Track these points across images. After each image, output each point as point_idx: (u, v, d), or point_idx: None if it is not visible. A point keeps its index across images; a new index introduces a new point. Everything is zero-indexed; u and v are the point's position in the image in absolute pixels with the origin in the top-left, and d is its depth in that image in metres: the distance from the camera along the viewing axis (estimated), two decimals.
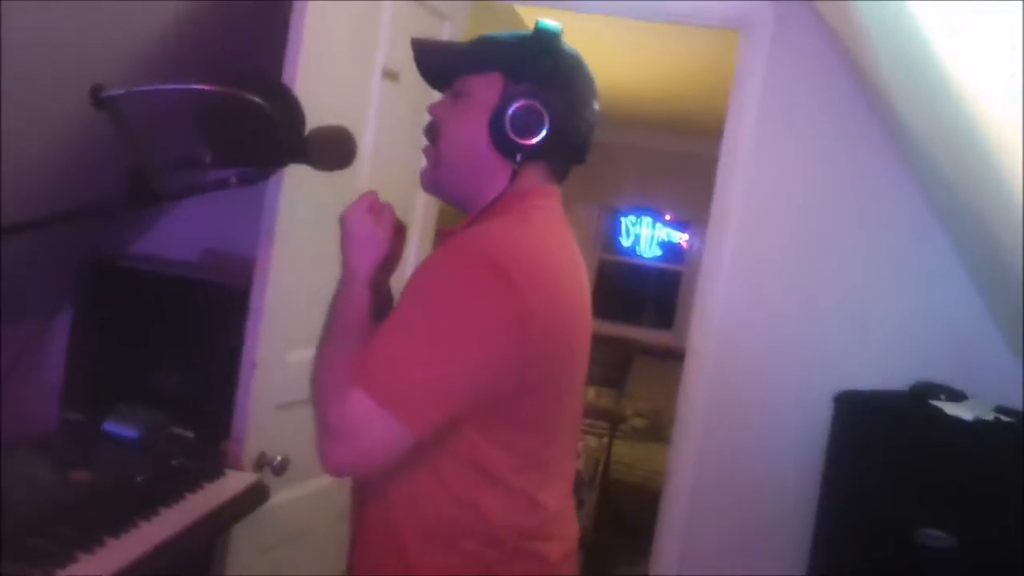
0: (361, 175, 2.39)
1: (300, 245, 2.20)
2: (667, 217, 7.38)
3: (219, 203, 2.84)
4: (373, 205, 1.40)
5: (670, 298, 7.11)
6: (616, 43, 4.30)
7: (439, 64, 1.44)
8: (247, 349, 2.12)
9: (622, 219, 7.56)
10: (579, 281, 1.39)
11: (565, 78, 1.36)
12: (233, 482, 1.92)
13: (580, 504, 4.70)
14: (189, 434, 2.03)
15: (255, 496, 1.94)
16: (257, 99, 1.43)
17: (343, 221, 1.39)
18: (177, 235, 2.95)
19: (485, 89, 1.35)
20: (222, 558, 2.02)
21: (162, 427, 1.95)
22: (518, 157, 1.33)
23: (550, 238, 1.35)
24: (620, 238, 7.59)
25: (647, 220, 7.50)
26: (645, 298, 7.36)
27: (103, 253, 2.67)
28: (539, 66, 1.34)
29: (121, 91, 1.39)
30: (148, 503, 1.64)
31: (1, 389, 2.33)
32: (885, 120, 2.61)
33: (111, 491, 1.65)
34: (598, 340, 5.31)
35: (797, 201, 2.75)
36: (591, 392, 5.37)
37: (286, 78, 2.00)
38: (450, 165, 1.40)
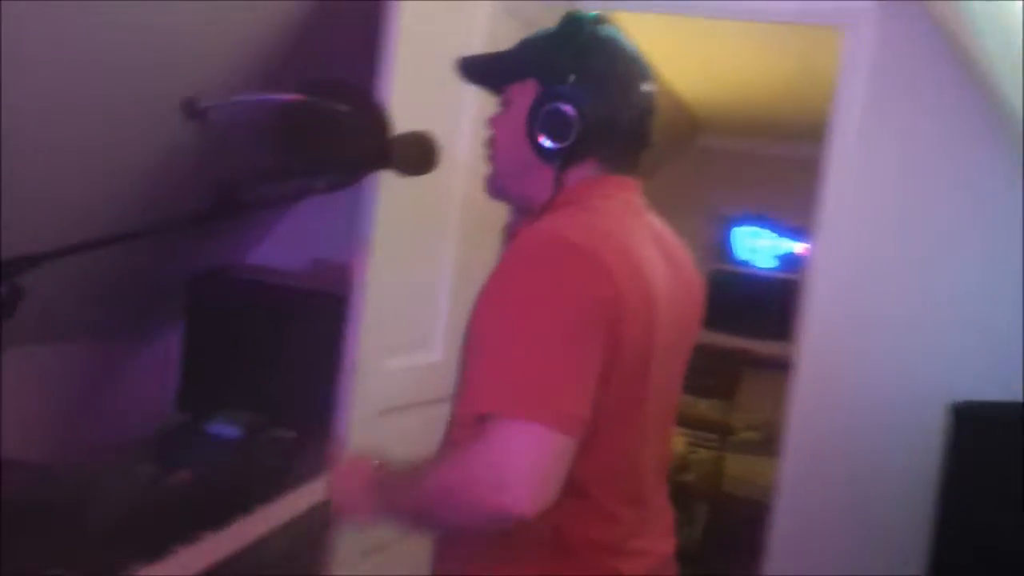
0: (456, 181, 2.42)
1: (397, 251, 2.23)
2: (783, 225, 7.20)
3: (328, 213, 2.95)
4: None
5: (787, 308, 6.89)
6: (718, 47, 4.24)
7: (482, 80, 1.45)
8: (346, 353, 2.17)
9: (735, 230, 7.41)
10: (666, 272, 1.33)
11: (600, 69, 1.33)
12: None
13: (690, 519, 4.61)
14: (291, 435, 2.08)
15: None
16: (341, 107, 1.46)
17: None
18: (287, 246, 3.05)
19: (523, 96, 1.34)
20: (325, 559, 2.06)
21: (263, 428, 2.01)
22: (556, 161, 1.31)
23: (618, 223, 1.30)
24: (733, 248, 7.44)
25: (761, 230, 7.34)
26: (759, 309, 7.17)
27: (215, 265, 2.77)
28: (569, 63, 1.31)
29: (212, 103, 1.44)
30: (245, 501, 1.69)
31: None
32: (997, 117, 2.48)
33: (209, 489, 1.71)
34: (707, 352, 5.19)
35: (907, 202, 2.64)
36: (701, 404, 5.27)
37: (378, 87, 2.05)
38: (502, 172, 1.40)
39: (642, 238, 1.31)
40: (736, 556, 4.14)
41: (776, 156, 6.65)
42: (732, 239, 7.46)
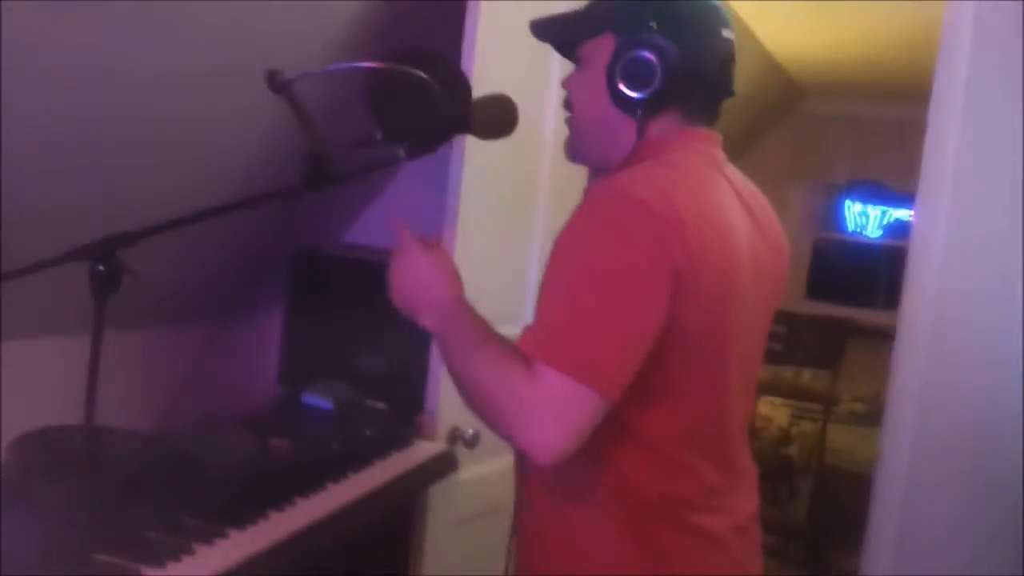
0: (544, 152, 2.41)
1: (485, 225, 2.24)
2: (893, 191, 6.93)
3: (424, 191, 2.97)
4: (417, 243, 1.39)
5: (895, 277, 6.65)
6: (810, 7, 4.10)
7: (556, 39, 1.43)
8: None
9: (843, 197, 7.17)
10: (749, 228, 1.31)
11: (678, 17, 1.30)
12: (421, 451, 1.99)
13: (794, 492, 4.52)
14: (382, 406, 2.11)
15: (443, 465, 2.00)
16: (421, 73, 1.46)
17: (398, 275, 1.39)
18: (383, 223, 3.09)
19: (600, 52, 1.32)
20: (418, 528, 2.10)
21: (357, 400, 2.05)
22: (639, 112, 1.29)
23: (695, 177, 1.28)
24: (841, 217, 7.21)
25: (870, 197, 7.08)
26: (866, 278, 6.94)
27: (314, 244, 2.83)
28: (645, 13, 1.29)
29: (296, 74, 1.45)
30: (339, 468, 1.73)
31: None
32: None
33: (305, 457, 1.76)
34: (811, 321, 5.09)
35: (1016, 164, 2.50)
36: (806, 374, 5.15)
37: (463, 57, 2.05)
38: (583, 132, 1.39)
39: (722, 192, 1.29)
40: (841, 529, 4.05)
41: (886, 118, 6.40)
42: (840, 207, 7.23)
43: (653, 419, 1.23)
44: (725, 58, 1.34)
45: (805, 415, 4.88)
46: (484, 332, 1.25)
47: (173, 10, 1.70)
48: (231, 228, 2.50)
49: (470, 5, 2.07)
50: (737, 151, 6.98)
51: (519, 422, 1.11)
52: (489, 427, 1.20)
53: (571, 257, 1.19)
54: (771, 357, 5.13)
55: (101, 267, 1.41)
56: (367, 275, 2.65)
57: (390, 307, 2.54)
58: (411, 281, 1.36)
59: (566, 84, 1.42)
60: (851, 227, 7.16)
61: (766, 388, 4.96)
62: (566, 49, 1.44)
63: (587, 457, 1.21)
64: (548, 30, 1.44)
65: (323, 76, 1.60)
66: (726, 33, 1.34)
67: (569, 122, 1.42)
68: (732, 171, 1.37)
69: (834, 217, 7.23)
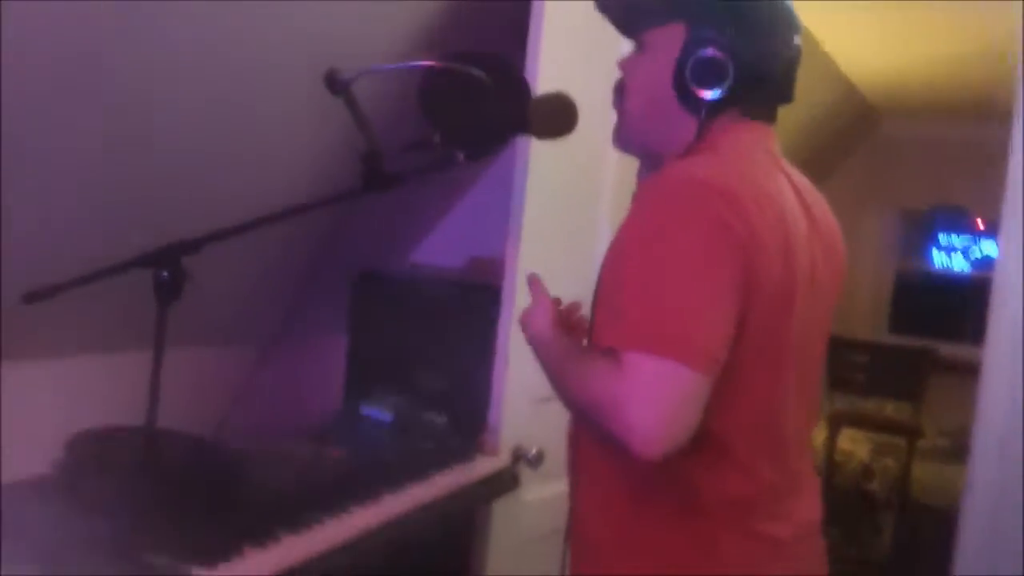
0: (609, 156, 2.36)
1: (548, 240, 2.22)
2: (978, 221, 6.69)
3: (487, 211, 2.96)
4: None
5: (983, 310, 6.39)
6: (889, 28, 4.00)
7: (624, 18, 1.39)
8: (500, 342, 2.17)
9: (929, 229, 6.94)
10: (807, 224, 1.27)
11: (753, 18, 1.26)
12: (482, 466, 1.95)
13: (876, 528, 4.34)
14: (443, 419, 2.08)
15: (504, 481, 1.96)
16: (478, 72, 1.44)
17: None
18: (447, 244, 3.09)
19: (668, 41, 1.28)
20: (479, 546, 2.05)
21: (416, 412, 2.02)
22: (703, 111, 1.25)
23: (753, 165, 1.24)
24: (923, 246, 6.98)
25: (952, 227, 6.85)
26: (952, 311, 6.69)
27: (377, 265, 2.83)
28: (722, 8, 1.25)
29: (354, 74, 1.45)
30: (396, 478, 1.70)
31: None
32: None
33: (361, 466, 1.73)
34: (894, 352, 4.91)
35: None
36: (888, 407, 4.97)
37: (529, 59, 2.04)
38: (637, 119, 1.35)
39: (780, 184, 1.25)
40: (925, 569, 3.86)
41: (970, 140, 6.16)
42: (923, 235, 7.01)
43: (714, 413, 1.16)
44: (791, 64, 1.31)
45: (887, 450, 4.69)
46: (575, 347, 1.27)
47: (234, 8, 1.71)
48: (296, 247, 2.53)
49: (535, 5, 2.06)
50: (815, 178, 6.80)
51: (617, 416, 1.07)
52: (603, 434, 1.16)
53: (640, 245, 1.17)
54: (853, 388, 4.97)
55: (165, 274, 1.42)
56: (428, 293, 2.68)
57: (452, 324, 2.56)
58: (523, 317, 1.36)
59: (624, 66, 1.37)
60: (936, 257, 6.92)
61: (847, 420, 4.80)
62: (627, 30, 1.40)
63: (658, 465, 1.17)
64: (617, 7, 1.39)
65: (382, 76, 1.60)
66: (796, 39, 1.31)
67: (618, 107, 1.38)
68: (789, 167, 1.33)
69: (917, 246, 7.00)
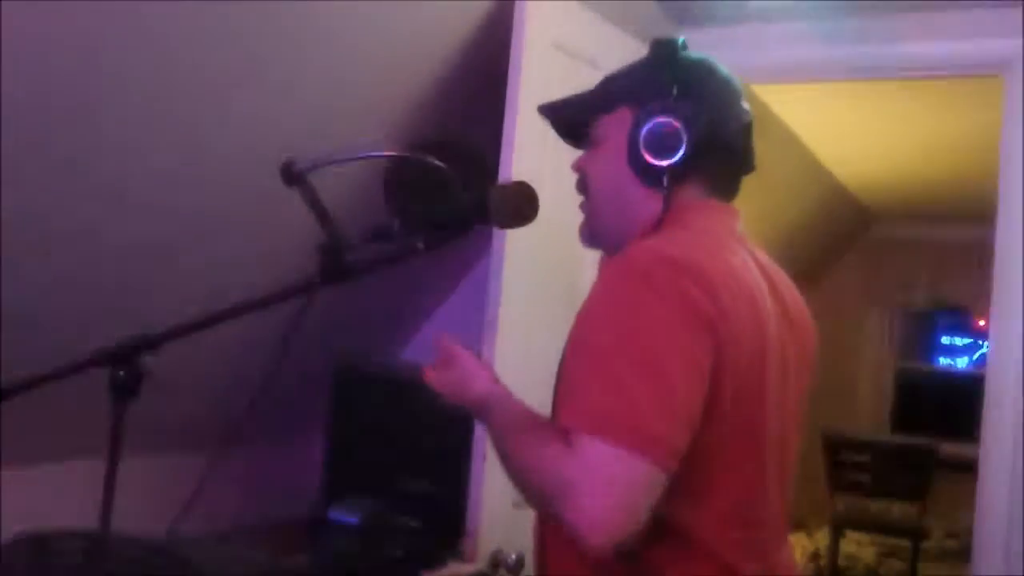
0: (587, 251, 2.34)
1: (526, 333, 2.17)
2: (978, 320, 6.64)
3: (475, 311, 2.93)
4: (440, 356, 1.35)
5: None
6: (876, 128, 4.03)
7: (569, 118, 1.39)
8: (476, 442, 2.10)
9: (929, 329, 6.89)
10: (774, 306, 1.22)
11: (697, 86, 1.26)
12: (454, 572, 1.84)
13: None
14: (414, 524, 1.99)
15: None
16: (435, 162, 1.42)
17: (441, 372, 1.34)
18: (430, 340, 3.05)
19: (617, 125, 1.28)
20: None
21: (386, 516, 1.94)
22: (664, 181, 1.23)
23: (719, 243, 1.21)
24: (924, 345, 6.93)
25: (951, 327, 6.80)
26: (956, 410, 6.58)
27: (360, 362, 2.78)
28: (664, 83, 1.25)
29: (309, 164, 1.43)
30: None
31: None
32: None
33: (319, 574, 1.64)
34: (895, 451, 4.80)
35: None
36: (894, 509, 4.83)
37: (504, 149, 2.04)
38: (600, 212, 1.33)
39: (746, 262, 1.21)
40: None
41: (964, 240, 6.19)
42: (922, 334, 6.96)
43: (697, 511, 1.12)
44: (745, 128, 1.30)
45: (893, 552, 4.53)
46: (526, 417, 1.19)
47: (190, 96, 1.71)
48: (268, 348, 2.48)
49: (509, 95, 2.07)
50: (808, 279, 6.86)
51: (564, 498, 1.02)
52: (548, 516, 1.14)
53: (600, 323, 1.12)
54: (856, 489, 4.84)
55: (122, 372, 1.37)
56: (404, 391, 2.62)
57: (428, 424, 2.49)
58: (453, 374, 1.31)
59: (578, 165, 1.37)
60: (938, 356, 6.85)
61: (850, 523, 4.66)
62: (575, 132, 1.39)
63: (625, 560, 1.10)
64: (561, 111, 1.40)
65: (353, 166, 1.58)
66: (743, 104, 1.31)
67: (583, 206, 1.37)
68: (753, 247, 1.30)
69: (918, 345, 6.94)
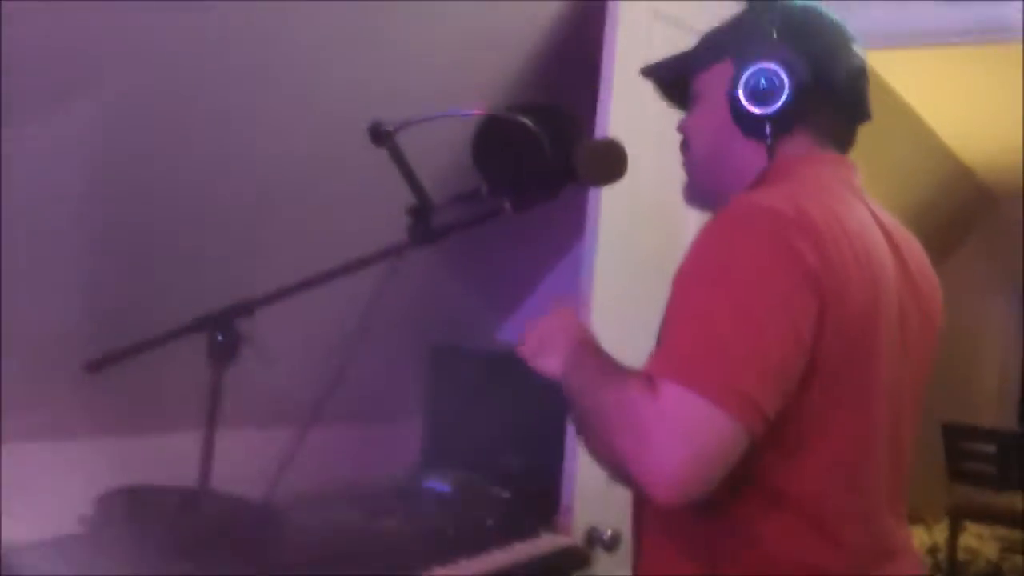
0: (687, 217, 2.29)
1: (621, 303, 2.14)
2: None
3: (573, 288, 2.92)
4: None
5: None
6: (996, 108, 3.82)
7: (671, 77, 1.34)
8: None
9: None
10: (894, 263, 1.16)
11: (801, 31, 1.19)
12: (546, 544, 1.84)
13: None
14: (506, 495, 1.99)
15: (569, 560, 1.84)
16: (524, 120, 1.40)
17: (532, 324, 1.31)
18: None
19: (718, 79, 1.22)
20: None
21: (478, 486, 1.94)
22: (768, 130, 1.16)
23: (831, 195, 1.14)
24: None
25: None
26: None
27: (457, 340, 2.80)
28: (765, 31, 1.19)
29: (399, 123, 1.43)
30: (447, 552, 1.61)
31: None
32: None
33: (412, 538, 1.65)
34: (1022, 441, 4.56)
35: None
36: (1019, 501, 4.58)
37: (601, 113, 2.04)
38: (703, 169, 1.28)
39: (861, 215, 1.15)
40: None
41: None
42: None
43: (791, 471, 1.07)
44: (856, 73, 1.22)
45: (1018, 547, 4.30)
46: (611, 366, 1.14)
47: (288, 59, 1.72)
48: (371, 325, 2.50)
49: (605, 57, 2.04)
50: (931, 261, 6.53)
51: (639, 447, 0.98)
52: (616, 475, 1.09)
53: (699, 273, 1.07)
54: (980, 480, 4.62)
55: (219, 336, 1.41)
56: (506, 372, 2.62)
57: (527, 400, 2.48)
58: (543, 325, 1.28)
59: (682, 126, 1.32)
60: None
61: (971, 515, 4.45)
62: (678, 93, 1.35)
63: (711, 516, 1.07)
64: (662, 70, 1.36)
65: (441, 129, 1.57)
66: (855, 48, 1.23)
67: (686, 165, 1.32)
68: (876, 205, 1.23)
69: None
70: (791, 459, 1.06)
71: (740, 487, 1.06)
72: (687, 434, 0.96)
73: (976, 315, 6.31)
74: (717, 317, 1.01)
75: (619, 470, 1.06)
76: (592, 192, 2.12)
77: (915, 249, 1.25)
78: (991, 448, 4.60)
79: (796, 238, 1.02)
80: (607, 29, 2.10)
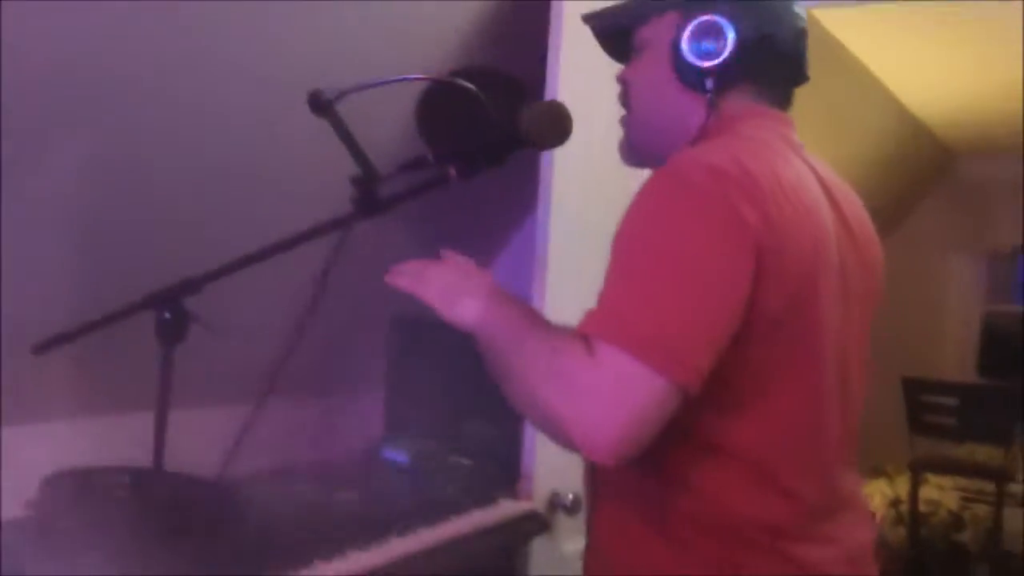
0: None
1: (576, 271, 2.13)
2: None
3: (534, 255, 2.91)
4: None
5: None
6: (949, 63, 3.84)
7: (615, 26, 1.32)
8: None
9: (1015, 267, 6.61)
10: (832, 216, 1.16)
11: None
12: (505, 510, 1.84)
13: None
14: (466, 463, 1.99)
15: (529, 526, 1.84)
16: (466, 85, 1.38)
17: (433, 271, 1.29)
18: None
19: (662, 30, 1.21)
20: None
21: (437, 455, 1.94)
22: (708, 84, 1.16)
23: (770, 150, 1.13)
24: (1012, 287, 6.65)
25: None
26: None
27: (416, 309, 2.78)
28: None
29: (338, 92, 1.40)
30: (405, 522, 1.61)
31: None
32: None
33: (369, 509, 1.65)
34: (982, 392, 4.67)
35: None
36: (979, 452, 4.68)
37: (548, 80, 2.02)
38: (643, 123, 1.27)
39: (799, 171, 1.14)
40: None
41: None
42: (1010, 275, 6.68)
43: (738, 426, 1.08)
44: (798, 33, 1.22)
45: (978, 498, 4.39)
46: (533, 316, 1.15)
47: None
48: (326, 297, 2.48)
49: (553, 20, 2.02)
50: (889, 222, 6.63)
51: (573, 407, 0.98)
52: (543, 427, 1.08)
53: (637, 231, 1.06)
54: (941, 432, 4.71)
55: (167, 315, 1.38)
56: (467, 341, 2.62)
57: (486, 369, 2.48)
58: (448, 274, 1.27)
59: (622, 77, 1.31)
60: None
61: (930, 467, 4.52)
62: (620, 45, 1.33)
63: (662, 475, 1.08)
64: (605, 18, 1.34)
65: (386, 96, 1.54)
66: (797, 10, 1.23)
67: (624, 120, 1.31)
68: (813, 159, 1.23)
69: (1006, 287, 6.67)
70: (736, 414, 1.07)
71: (688, 445, 1.07)
72: (623, 395, 0.96)
73: (937, 270, 6.39)
74: (654, 275, 1.01)
75: (547, 423, 1.06)
76: (545, 157, 2.11)
77: (854, 203, 1.26)
78: (952, 400, 4.67)
79: (736, 196, 1.02)
80: None
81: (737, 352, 1.03)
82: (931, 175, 6.29)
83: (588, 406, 0.97)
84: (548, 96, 2.07)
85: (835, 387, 1.15)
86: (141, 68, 1.65)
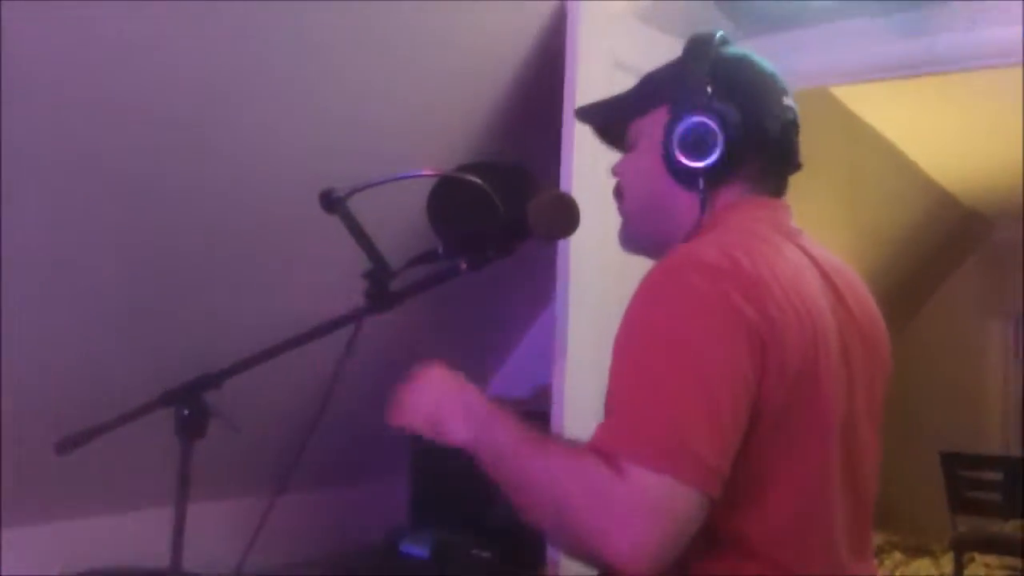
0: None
1: (596, 354, 2.12)
2: None
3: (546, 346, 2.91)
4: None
5: None
6: (970, 133, 3.83)
7: (606, 121, 1.35)
8: None
9: None
10: (833, 301, 1.15)
11: (735, 82, 1.19)
12: None
13: None
14: (486, 555, 1.94)
15: None
16: (473, 179, 1.40)
17: (412, 392, 1.26)
18: (517, 376, 3.03)
19: (652, 126, 1.22)
20: None
21: (457, 548, 1.90)
22: (701, 183, 1.17)
23: (762, 241, 1.13)
24: None
25: None
26: None
27: None
28: (699, 80, 1.19)
29: (349, 189, 1.42)
30: None
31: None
32: None
33: None
34: (1008, 464, 4.47)
35: None
36: (1008, 526, 4.51)
37: (563, 173, 2.05)
38: (637, 215, 1.28)
39: (797, 261, 1.14)
40: None
41: None
42: None
43: (749, 516, 1.05)
44: (788, 124, 1.23)
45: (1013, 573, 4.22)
46: (533, 432, 1.11)
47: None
48: (349, 387, 2.48)
49: (566, 112, 2.04)
50: (923, 290, 6.54)
51: (608, 527, 0.96)
52: (559, 537, 1.08)
53: (640, 335, 1.06)
54: (985, 509, 4.55)
55: (186, 411, 1.39)
56: None
57: None
58: (427, 398, 1.23)
59: (616, 169, 1.32)
60: None
61: (976, 546, 4.36)
62: (614, 134, 1.35)
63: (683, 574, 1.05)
64: (596, 113, 1.37)
65: (397, 193, 1.56)
66: (787, 100, 1.24)
67: (621, 210, 1.32)
68: (808, 241, 1.22)
69: None
70: (746, 506, 1.05)
71: (701, 541, 1.04)
72: (658, 515, 0.95)
73: (975, 339, 6.27)
74: (665, 383, 1.00)
75: (572, 541, 1.03)
76: (561, 245, 2.12)
77: (854, 283, 1.24)
78: (996, 475, 4.52)
79: (734, 293, 1.01)
80: (567, 77, 2.12)
81: (745, 443, 1.02)
82: (965, 242, 6.23)
83: (626, 525, 0.95)
84: (563, 180, 2.10)
85: (842, 473, 1.13)
86: (150, 176, 1.69)
